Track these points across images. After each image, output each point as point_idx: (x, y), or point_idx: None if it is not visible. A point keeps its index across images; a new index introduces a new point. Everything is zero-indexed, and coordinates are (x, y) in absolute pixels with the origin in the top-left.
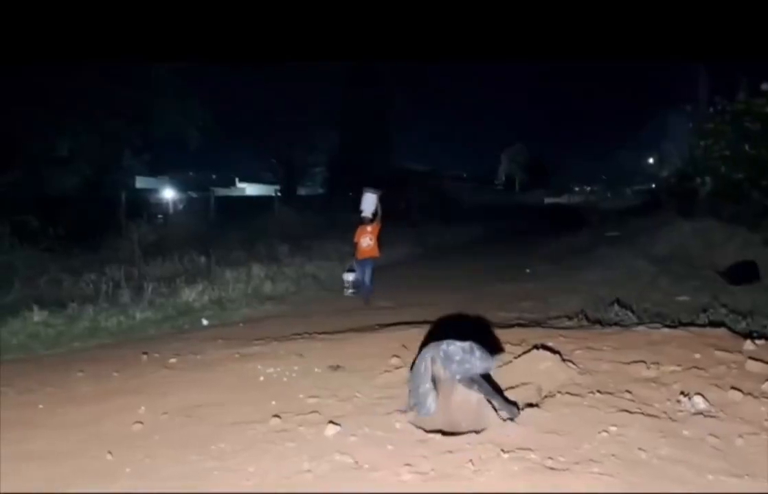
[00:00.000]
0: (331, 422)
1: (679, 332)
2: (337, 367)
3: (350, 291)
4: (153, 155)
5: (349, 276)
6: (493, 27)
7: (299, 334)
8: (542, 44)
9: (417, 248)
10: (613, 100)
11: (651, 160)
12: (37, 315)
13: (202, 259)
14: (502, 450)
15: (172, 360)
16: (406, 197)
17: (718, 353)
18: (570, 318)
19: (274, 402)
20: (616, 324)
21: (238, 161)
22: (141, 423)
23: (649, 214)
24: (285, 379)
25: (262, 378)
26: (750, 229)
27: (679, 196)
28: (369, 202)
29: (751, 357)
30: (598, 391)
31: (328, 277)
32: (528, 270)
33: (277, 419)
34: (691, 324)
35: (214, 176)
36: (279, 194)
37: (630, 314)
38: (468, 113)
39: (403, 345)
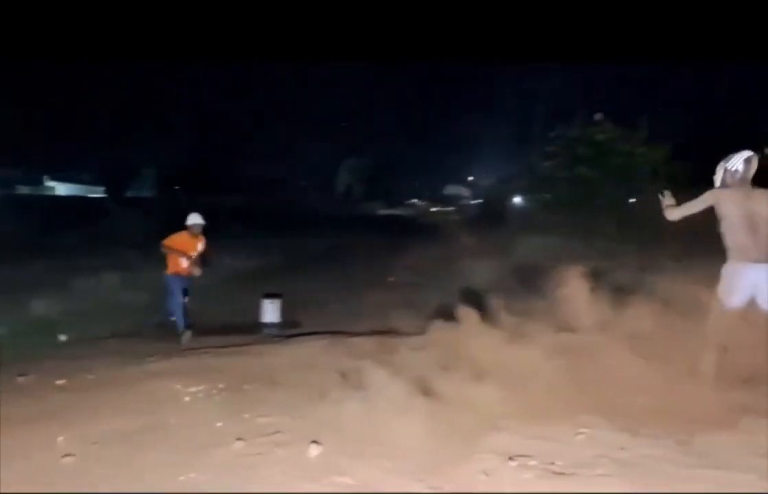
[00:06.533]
0: (314, 442)
1: None
2: (272, 382)
3: (273, 330)
4: None
5: (269, 306)
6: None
7: (203, 349)
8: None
9: (269, 258)
10: (448, 123)
11: (471, 178)
12: None
13: (39, 267)
14: (509, 459)
15: (60, 382)
16: (246, 204)
17: None
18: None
19: (219, 424)
20: None
21: (47, 157)
22: (72, 455)
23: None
24: (217, 398)
25: (188, 398)
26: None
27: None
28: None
29: None
30: None
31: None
32: (391, 279)
33: (241, 442)
34: None
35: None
36: (107, 195)
37: None
38: (313, 125)
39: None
